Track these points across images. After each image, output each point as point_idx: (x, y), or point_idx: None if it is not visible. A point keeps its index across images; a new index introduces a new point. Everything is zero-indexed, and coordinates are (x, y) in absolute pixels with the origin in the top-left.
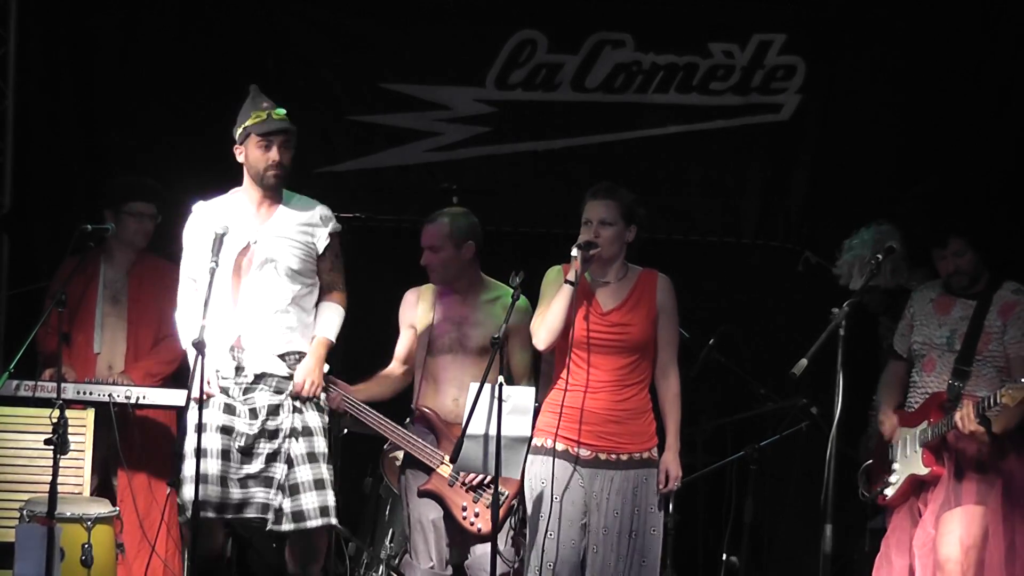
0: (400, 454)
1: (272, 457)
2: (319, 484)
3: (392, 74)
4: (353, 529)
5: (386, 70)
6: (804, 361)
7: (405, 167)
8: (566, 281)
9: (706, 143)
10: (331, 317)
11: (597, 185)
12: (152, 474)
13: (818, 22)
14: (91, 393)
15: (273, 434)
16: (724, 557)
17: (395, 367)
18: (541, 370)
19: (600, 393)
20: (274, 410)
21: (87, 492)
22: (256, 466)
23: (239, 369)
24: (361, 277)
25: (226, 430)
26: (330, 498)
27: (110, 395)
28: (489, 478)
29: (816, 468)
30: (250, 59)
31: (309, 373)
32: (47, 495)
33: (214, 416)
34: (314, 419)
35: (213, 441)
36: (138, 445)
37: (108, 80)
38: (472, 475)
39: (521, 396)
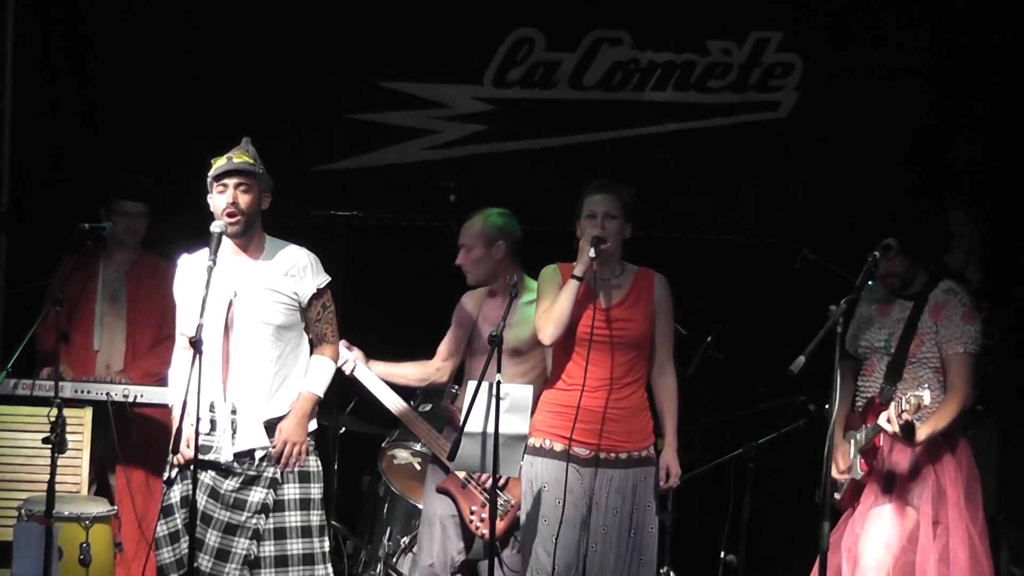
0: (398, 452)
1: (232, 530)
2: (280, 561)
3: (390, 72)
4: (351, 527)
5: (384, 68)
6: (802, 359)
7: (403, 165)
8: (573, 276)
9: (704, 141)
10: (320, 371)
11: (596, 180)
12: (150, 473)
13: (815, 19)
14: (89, 392)
15: (239, 503)
16: (722, 555)
17: (433, 360)
18: None
19: (598, 391)
20: (249, 480)
21: (85, 491)
22: (215, 537)
23: (220, 438)
24: (358, 275)
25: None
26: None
27: (108, 394)
28: (503, 481)
29: (813, 465)
30: (249, 57)
31: (290, 435)
32: (45, 494)
33: (184, 485)
34: (292, 491)
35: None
36: (136, 444)
37: (106, 80)
38: (485, 477)
39: (519, 394)
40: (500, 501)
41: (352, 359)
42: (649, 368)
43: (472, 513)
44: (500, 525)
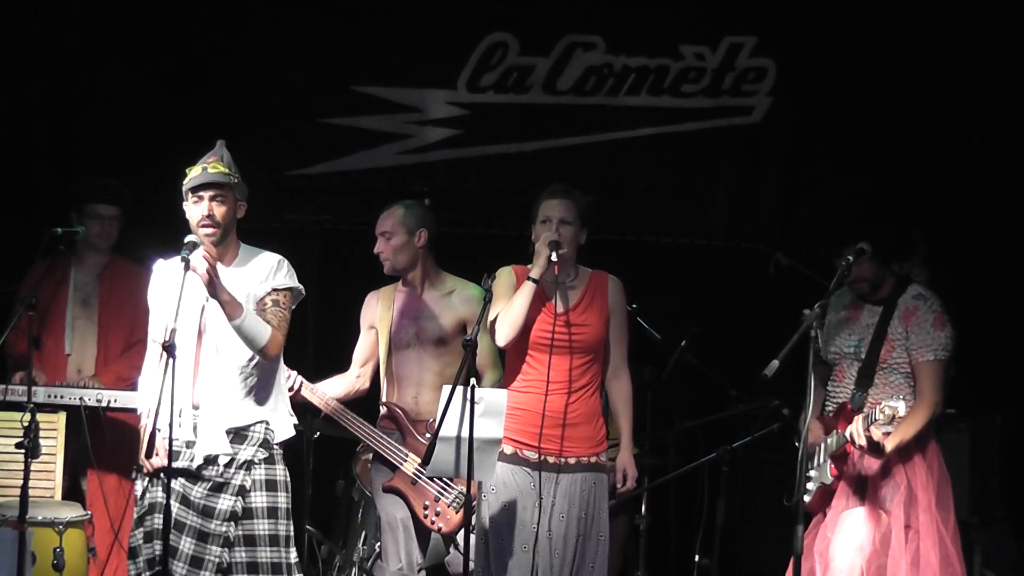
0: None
1: (204, 537)
2: (252, 568)
3: (363, 76)
4: (325, 531)
5: (357, 72)
6: (775, 363)
7: (376, 170)
8: (529, 278)
9: (677, 145)
10: (256, 316)
11: (553, 185)
12: (123, 477)
13: (789, 24)
14: (62, 396)
15: (208, 510)
16: (696, 559)
17: (351, 370)
18: None
19: (552, 396)
20: (217, 487)
21: (58, 496)
22: (187, 544)
23: (190, 443)
24: (333, 278)
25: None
26: None
27: (81, 398)
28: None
29: (787, 469)
30: (221, 61)
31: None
32: (18, 499)
33: (153, 493)
34: (260, 499)
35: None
36: (109, 448)
37: (76, 82)
38: None
39: (494, 398)
40: (455, 493)
41: (295, 378)
42: (603, 371)
43: (426, 508)
44: (456, 519)
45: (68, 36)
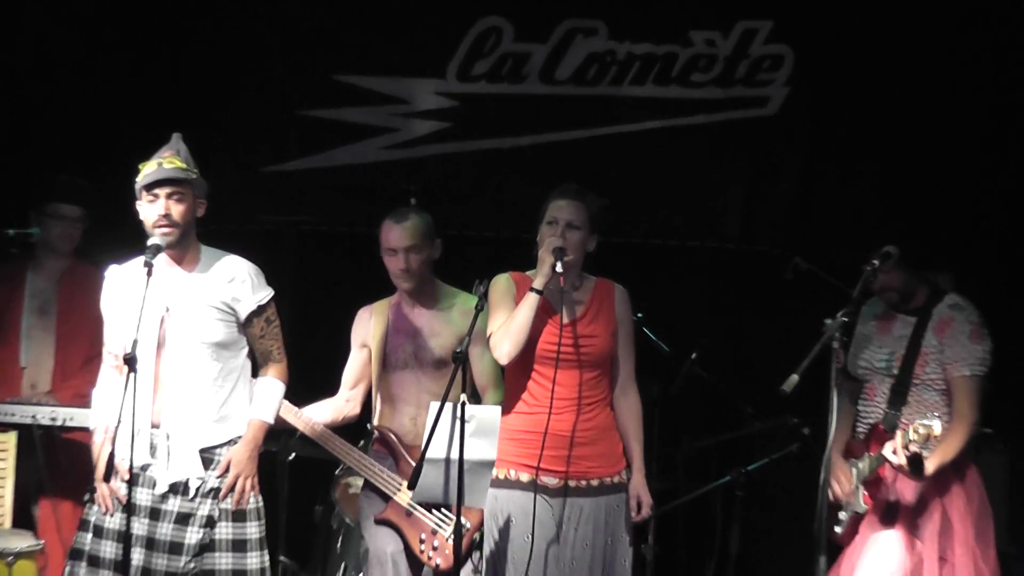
0: (354, 480)
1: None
2: None
3: (345, 65)
4: (302, 562)
5: (339, 60)
6: (795, 377)
7: (359, 166)
8: (532, 288)
9: (686, 139)
10: (267, 395)
11: (564, 185)
12: (79, 503)
13: (807, 8)
14: (13, 414)
15: (176, 547)
16: None
17: (340, 394)
18: None
19: (564, 413)
20: (183, 519)
21: (8, 524)
22: None
23: (146, 467)
24: (312, 286)
25: (122, 536)
26: None
27: (34, 416)
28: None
29: (808, 494)
30: (194, 50)
31: (241, 469)
32: None
33: (113, 521)
34: (225, 531)
35: (109, 550)
36: (65, 471)
37: (33, 72)
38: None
39: (486, 416)
40: (454, 525)
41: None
42: (611, 387)
43: (422, 542)
44: None
45: (25, 22)
